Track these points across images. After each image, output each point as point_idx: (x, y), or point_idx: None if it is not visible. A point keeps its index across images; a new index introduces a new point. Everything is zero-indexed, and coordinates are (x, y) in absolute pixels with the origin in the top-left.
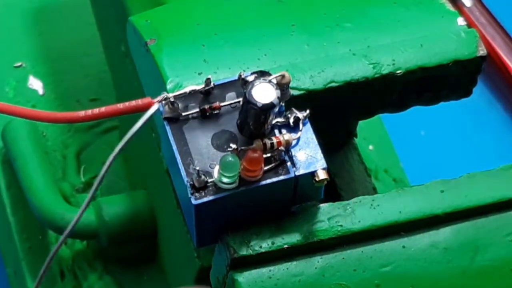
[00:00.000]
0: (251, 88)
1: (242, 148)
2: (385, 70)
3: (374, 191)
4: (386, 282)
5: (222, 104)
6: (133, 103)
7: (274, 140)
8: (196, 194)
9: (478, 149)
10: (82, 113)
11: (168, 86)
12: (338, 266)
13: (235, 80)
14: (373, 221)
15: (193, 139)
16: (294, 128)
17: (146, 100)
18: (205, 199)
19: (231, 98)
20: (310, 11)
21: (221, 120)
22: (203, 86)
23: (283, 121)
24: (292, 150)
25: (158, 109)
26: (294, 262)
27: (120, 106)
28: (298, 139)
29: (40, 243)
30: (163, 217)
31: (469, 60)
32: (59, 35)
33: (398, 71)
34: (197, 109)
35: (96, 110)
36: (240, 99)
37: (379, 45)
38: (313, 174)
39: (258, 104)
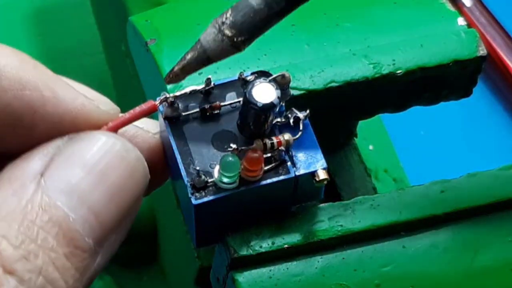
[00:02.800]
0: (251, 88)
1: (242, 148)
2: (385, 70)
3: (374, 191)
4: (386, 282)
5: (222, 104)
6: (138, 109)
7: (274, 140)
8: (196, 194)
9: (478, 149)
10: None
11: (168, 86)
12: (338, 266)
13: (235, 80)
14: (373, 221)
15: (193, 139)
16: (294, 128)
17: (149, 103)
18: (205, 199)
19: (231, 98)
20: (310, 11)
21: (221, 120)
22: (203, 86)
23: (283, 121)
24: (292, 150)
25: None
26: (294, 262)
27: (126, 115)
28: (298, 139)
29: None
30: (163, 217)
31: (469, 60)
32: (59, 35)
33: (398, 71)
34: (197, 109)
35: (105, 127)
36: (240, 99)
37: (379, 45)
38: (313, 174)
39: (258, 104)
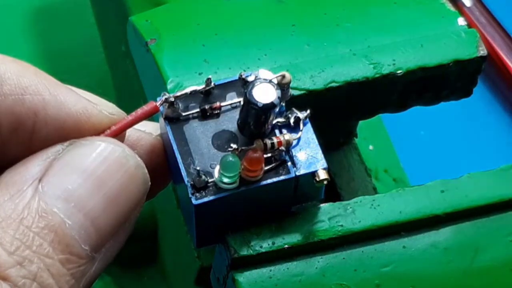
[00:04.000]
0: (252, 88)
1: (243, 148)
2: (385, 70)
3: (374, 191)
4: (386, 282)
5: (222, 104)
6: (139, 111)
7: (275, 140)
8: (197, 194)
9: (478, 149)
10: None
11: (169, 86)
12: (338, 266)
13: (235, 80)
14: (373, 221)
15: (194, 139)
16: (294, 128)
17: (151, 104)
18: (205, 199)
19: (232, 98)
20: (310, 11)
21: (222, 120)
22: (203, 86)
23: (284, 121)
24: (292, 150)
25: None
26: (295, 262)
27: (129, 118)
28: (299, 139)
29: None
30: (163, 217)
31: (469, 60)
32: (59, 35)
33: (399, 71)
34: (198, 109)
35: (108, 132)
36: (241, 99)
37: (380, 45)
38: (313, 174)
39: (258, 104)
